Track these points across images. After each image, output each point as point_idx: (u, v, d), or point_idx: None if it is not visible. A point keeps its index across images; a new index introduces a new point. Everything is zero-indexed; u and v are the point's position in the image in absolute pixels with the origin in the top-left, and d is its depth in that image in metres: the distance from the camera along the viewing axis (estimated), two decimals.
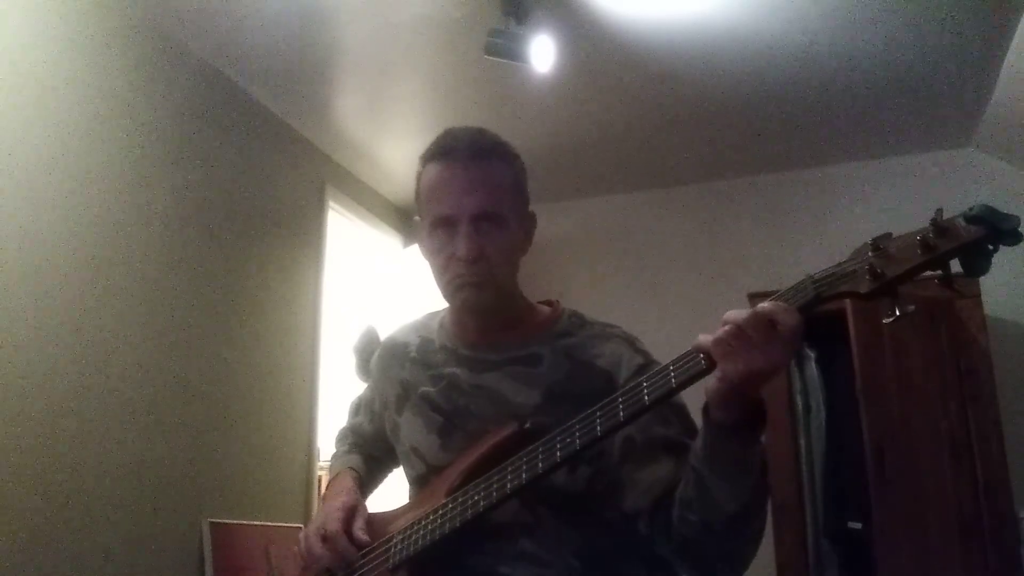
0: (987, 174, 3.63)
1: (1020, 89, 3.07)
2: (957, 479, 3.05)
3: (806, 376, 3.51)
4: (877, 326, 3.14)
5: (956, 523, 3.01)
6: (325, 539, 1.17)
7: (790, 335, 0.86)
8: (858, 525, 3.20)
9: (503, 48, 2.64)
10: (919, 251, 0.82)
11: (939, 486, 3.05)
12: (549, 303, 1.27)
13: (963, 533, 3.00)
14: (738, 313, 0.88)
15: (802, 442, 3.44)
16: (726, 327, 0.88)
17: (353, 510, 1.22)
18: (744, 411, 0.92)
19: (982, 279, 3.20)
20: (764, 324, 0.86)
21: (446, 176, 1.15)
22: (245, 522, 2.86)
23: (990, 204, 0.81)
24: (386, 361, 1.35)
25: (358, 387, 1.49)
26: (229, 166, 3.07)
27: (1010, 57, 2.93)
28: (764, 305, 0.88)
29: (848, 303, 3.07)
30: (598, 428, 0.98)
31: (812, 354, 3.51)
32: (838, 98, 3.33)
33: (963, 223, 0.81)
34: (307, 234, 3.52)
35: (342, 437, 1.46)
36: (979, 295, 3.21)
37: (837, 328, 3.15)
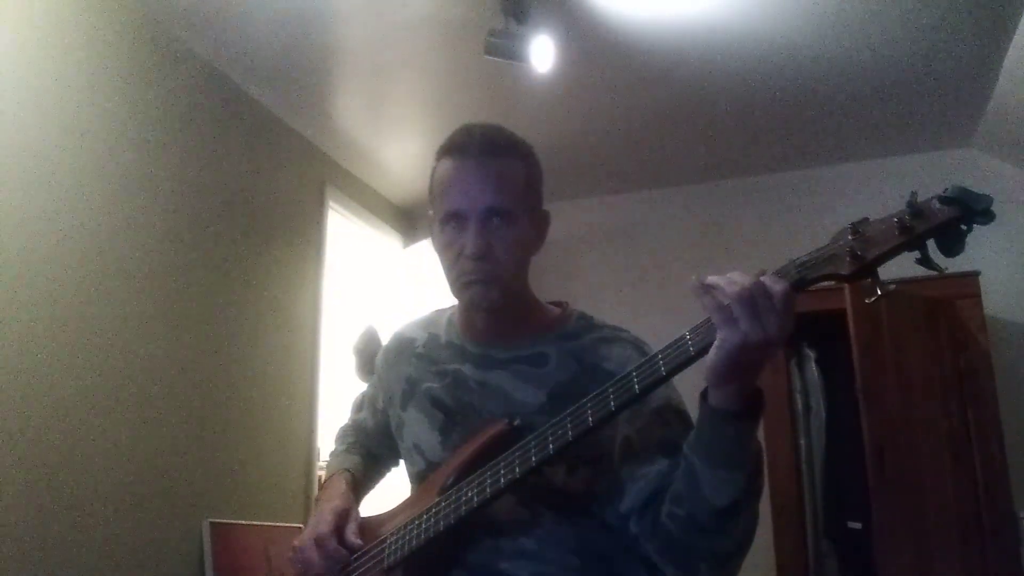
0: (987, 174, 3.63)
1: (1020, 89, 3.07)
2: (957, 479, 3.05)
3: (806, 376, 3.51)
4: (877, 326, 3.14)
5: (956, 523, 3.01)
6: (318, 544, 1.17)
7: (783, 305, 0.86)
8: (858, 525, 3.20)
9: (503, 48, 2.64)
10: (896, 232, 0.85)
11: (939, 486, 3.04)
12: (559, 304, 1.26)
13: (963, 533, 3.00)
14: (743, 277, 0.88)
15: (802, 442, 3.44)
16: (733, 286, 0.87)
17: (345, 514, 1.22)
18: (742, 398, 0.92)
19: (982, 279, 3.21)
20: (764, 292, 0.87)
21: (458, 172, 1.15)
22: (245, 522, 2.86)
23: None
24: (392, 356, 1.35)
25: (358, 387, 1.49)
26: (229, 166, 3.08)
27: (1010, 57, 2.93)
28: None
29: (848, 303, 3.07)
30: (589, 419, 0.98)
31: (812, 354, 3.51)
32: (838, 98, 3.33)
33: (937, 204, 0.85)
34: (307, 234, 3.52)
35: (342, 435, 1.46)
36: (979, 295, 3.21)
37: (837, 328, 3.15)
